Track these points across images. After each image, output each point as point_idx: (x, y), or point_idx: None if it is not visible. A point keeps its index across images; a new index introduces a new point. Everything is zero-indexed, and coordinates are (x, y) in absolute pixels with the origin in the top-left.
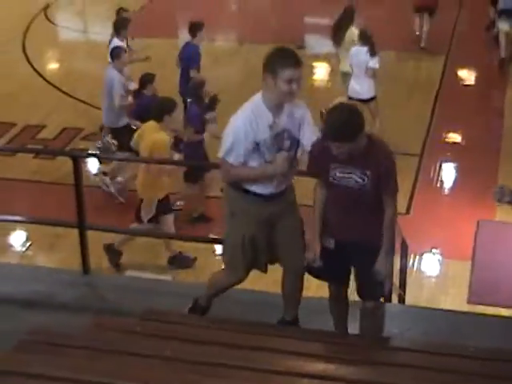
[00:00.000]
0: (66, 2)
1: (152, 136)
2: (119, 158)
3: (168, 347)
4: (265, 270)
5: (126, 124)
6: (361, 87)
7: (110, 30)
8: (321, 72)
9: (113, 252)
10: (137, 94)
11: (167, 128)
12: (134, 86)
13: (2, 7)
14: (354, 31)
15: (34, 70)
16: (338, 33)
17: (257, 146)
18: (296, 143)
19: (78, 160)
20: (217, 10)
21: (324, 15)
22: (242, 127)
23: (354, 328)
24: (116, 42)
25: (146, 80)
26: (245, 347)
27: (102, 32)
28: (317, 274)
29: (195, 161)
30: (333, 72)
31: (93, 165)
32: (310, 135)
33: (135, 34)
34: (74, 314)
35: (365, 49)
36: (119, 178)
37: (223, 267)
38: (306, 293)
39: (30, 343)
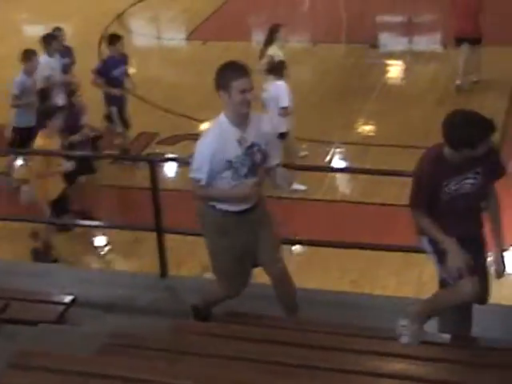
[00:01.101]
0: (140, 8)
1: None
2: None
3: (247, 348)
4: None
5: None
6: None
7: (183, 34)
8: (394, 70)
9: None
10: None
11: (52, 133)
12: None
13: (79, 15)
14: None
15: None
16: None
17: (230, 164)
18: (266, 157)
19: (154, 164)
20: (290, 10)
21: (397, 13)
22: (209, 147)
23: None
24: (44, 58)
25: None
26: (323, 348)
27: (175, 37)
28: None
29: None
30: (407, 70)
31: (169, 169)
32: (274, 152)
33: (209, 38)
34: (154, 317)
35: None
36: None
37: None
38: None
39: (113, 346)
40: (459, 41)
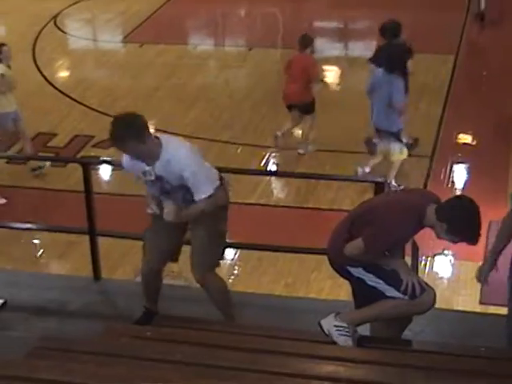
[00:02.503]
0: (76, 10)
1: None
2: None
3: (178, 351)
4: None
5: None
6: None
7: (119, 37)
8: (330, 75)
9: None
10: None
11: None
12: None
13: (13, 16)
14: None
15: (44, 78)
16: None
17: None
18: (183, 187)
19: (88, 167)
20: (226, 14)
21: (332, 19)
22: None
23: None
24: None
25: None
26: (255, 350)
27: (111, 39)
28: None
29: None
30: (342, 75)
31: (104, 171)
32: (198, 191)
33: (145, 41)
34: (86, 321)
35: None
36: None
37: None
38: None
39: (42, 350)
40: (289, 107)
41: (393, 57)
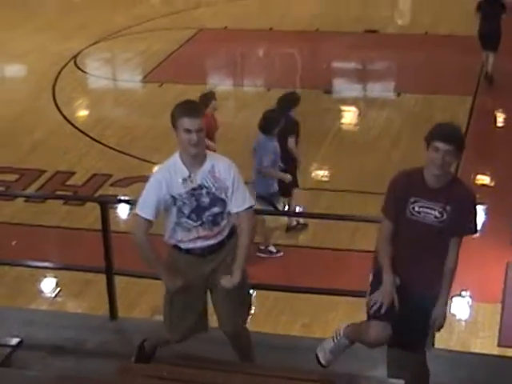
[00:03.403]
0: (96, 49)
1: None
2: None
3: None
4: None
5: None
6: None
7: (139, 76)
8: (348, 116)
9: None
10: None
11: None
12: None
13: (34, 55)
14: None
15: (64, 117)
16: None
17: (173, 200)
18: (220, 202)
19: (105, 206)
20: (245, 54)
21: (351, 59)
22: (156, 181)
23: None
24: None
25: None
26: None
27: (131, 79)
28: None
29: None
30: (360, 116)
31: (122, 210)
32: (238, 202)
33: (165, 80)
34: (102, 360)
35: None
36: None
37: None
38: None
39: None
40: None
41: (267, 120)
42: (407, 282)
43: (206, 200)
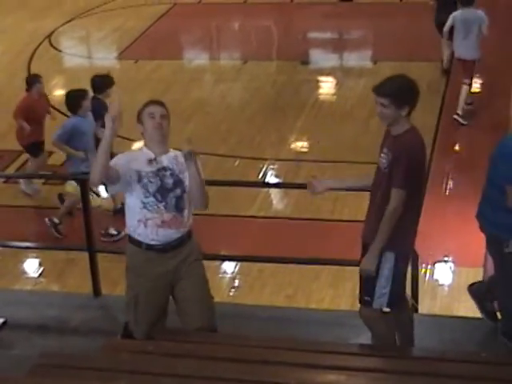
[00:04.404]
0: (70, 28)
1: None
2: None
3: (179, 365)
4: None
5: None
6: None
7: (113, 53)
8: (325, 86)
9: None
10: None
11: None
12: None
13: (8, 35)
14: None
15: None
16: None
17: (138, 177)
18: (182, 185)
19: (85, 183)
20: (220, 28)
21: (327, 30)
22: (123, 155)
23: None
24: None
25: None
26: (256, 362)
27: (105, 57)
28: None
29: None
30: (337, 85)
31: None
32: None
33: (140, 57)
34: (87, 337)
35: None
36: None
37: None
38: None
39: (43, 367)
40: None
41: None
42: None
43: (169, 181)
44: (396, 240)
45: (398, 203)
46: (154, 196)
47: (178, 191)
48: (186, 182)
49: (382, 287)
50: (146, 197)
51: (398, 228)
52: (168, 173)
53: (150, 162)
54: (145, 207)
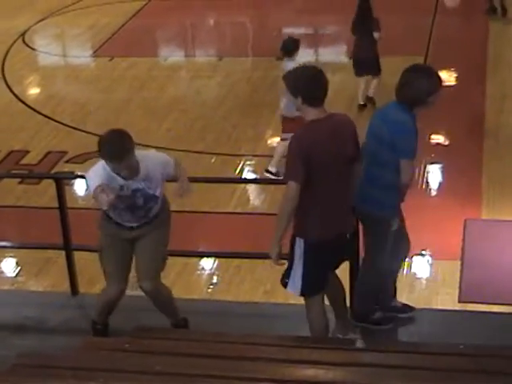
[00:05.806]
0: (43, 26)
1: None
2: None
3: (157, 362)
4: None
5: None
6: None
7: (88, 51)
8: None
9: None
10: None
11: None
12: None
13: None
14: None
15: (15, 95)
16: None
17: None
18: (154, 198)
19: (60, 182)
20: (195, 25)
21: (302, 25)
22: (95, 180)
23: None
24: None
25: None
26: (235, 358)
27: (79, 54)
28: None
29: None
30: None
31: (77, 187)
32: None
33: (116, 54)
34: (65, 336)
35: None
36: None
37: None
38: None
39: (20, 367)
40: None
41: None
42: None
43: (140, 200)
44: (302, 227)
45: (288, 195)
46: (123, 209)
47: (149, 205)
48: (158, 191)
49: (294, 272)
50: (115, 208)
51: (303, 216)
52: (138, 194)
53: (122, 187)
54: (113, 211)
